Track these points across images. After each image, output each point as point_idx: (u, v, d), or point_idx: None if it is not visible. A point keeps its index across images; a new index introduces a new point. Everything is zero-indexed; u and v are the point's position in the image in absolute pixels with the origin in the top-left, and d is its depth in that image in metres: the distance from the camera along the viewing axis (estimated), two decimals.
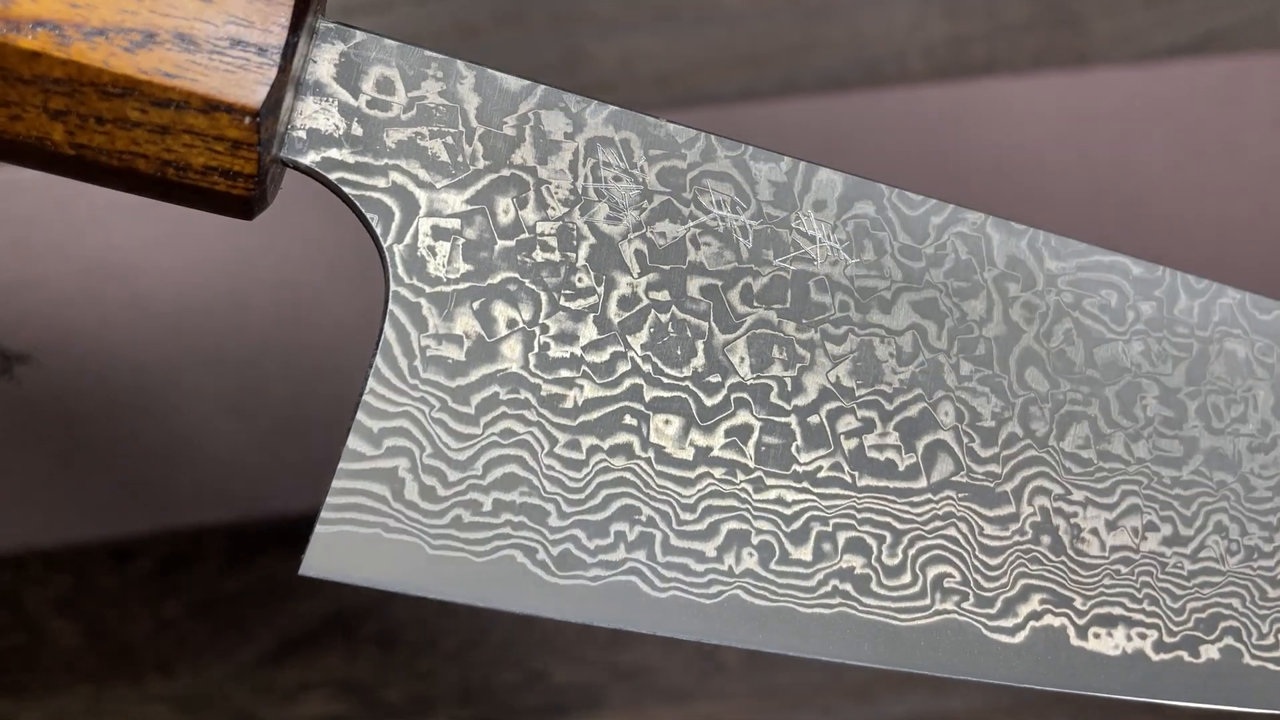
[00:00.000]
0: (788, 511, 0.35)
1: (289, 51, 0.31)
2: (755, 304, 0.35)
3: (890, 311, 0.36)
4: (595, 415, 0.34)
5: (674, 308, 0.35)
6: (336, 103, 0.33)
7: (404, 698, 0.55)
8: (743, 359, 0.35)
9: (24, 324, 0.51)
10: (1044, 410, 0.37)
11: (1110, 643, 0.37)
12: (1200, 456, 0.38)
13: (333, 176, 0.33)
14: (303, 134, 0.33)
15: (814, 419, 0.35)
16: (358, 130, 0.33)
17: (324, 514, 0.32)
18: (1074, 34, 0.63)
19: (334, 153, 0.33)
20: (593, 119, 0.34)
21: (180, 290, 0.51)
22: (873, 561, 0.35)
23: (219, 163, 0.31)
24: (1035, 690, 0.36)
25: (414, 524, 0.32)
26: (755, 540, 0.34)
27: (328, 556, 0.32)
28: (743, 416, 0.35)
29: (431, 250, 0.33)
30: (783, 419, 0.35)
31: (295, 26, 0.31)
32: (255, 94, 0.31)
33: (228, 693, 0.54)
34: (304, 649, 0.55)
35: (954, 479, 0.36)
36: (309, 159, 0.33)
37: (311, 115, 0.33)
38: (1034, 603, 0.36)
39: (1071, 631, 0.36)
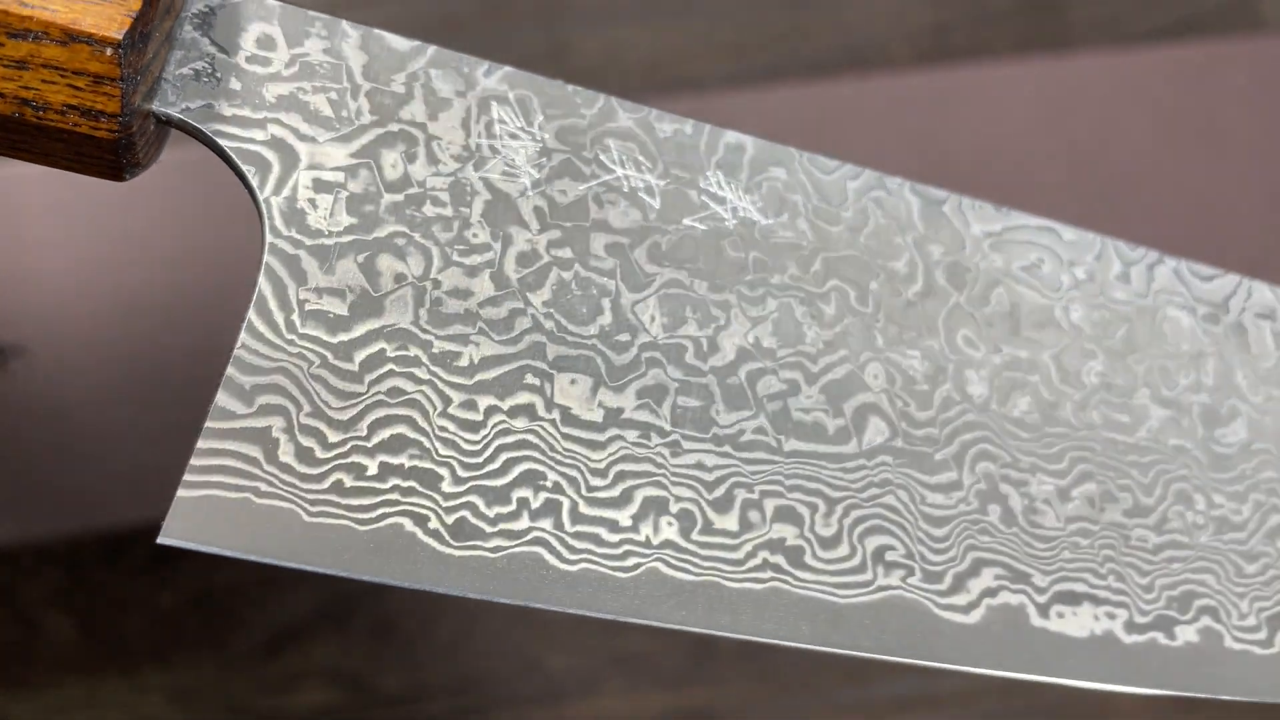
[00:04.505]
0: (709, 477, 0.32)
1: None
2: (665, 263, 0.34)
3: (809, 273, 0.34)
4: (493, 374, 0.32)
5: (577, 265, 0.33)
6: (212, 57, 0.32)
7: (399, 687, 0.55)
8: (654, 318, 0.33)
9: (16, 317, 0.51)
10: (980, 374, 0.35)
11: (1076, 623, 0.34)
12: (1153, 424, 0.36)
13: (206, 128, 0.32)
14: (174, 85, 0.32)
15: (733, 380, 0.33)
16: (235, 84, 0.32)
17: (187, 476, 0.30)
18: (1055, 19, 0.63)
19: (208, 105, 0.32)
20: (486, 78, 0.34)
21: (172, 282, 0.52)
22: (805, 532, 0.33)
23: (80, 100, 0.30)
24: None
25: (289, 488, 0.30)
26: (674, 508, 0.32)
27: (190, 523, 0.29)
28: (656, 376, 0.33)
29: (312, 203, 0.32)
30: (699, 379, 0.33)
31: None
32: (117, 25, 0.30)
33: (222, 683, 0.54)
34: (297, 639, 0.55)
35: (889, 444, 0.34)
36: (179, 109, 0.32)
37: (184, 67, 0.32)
38: (987, 578, 0.34)
39: (1032, 610, 0.34)
